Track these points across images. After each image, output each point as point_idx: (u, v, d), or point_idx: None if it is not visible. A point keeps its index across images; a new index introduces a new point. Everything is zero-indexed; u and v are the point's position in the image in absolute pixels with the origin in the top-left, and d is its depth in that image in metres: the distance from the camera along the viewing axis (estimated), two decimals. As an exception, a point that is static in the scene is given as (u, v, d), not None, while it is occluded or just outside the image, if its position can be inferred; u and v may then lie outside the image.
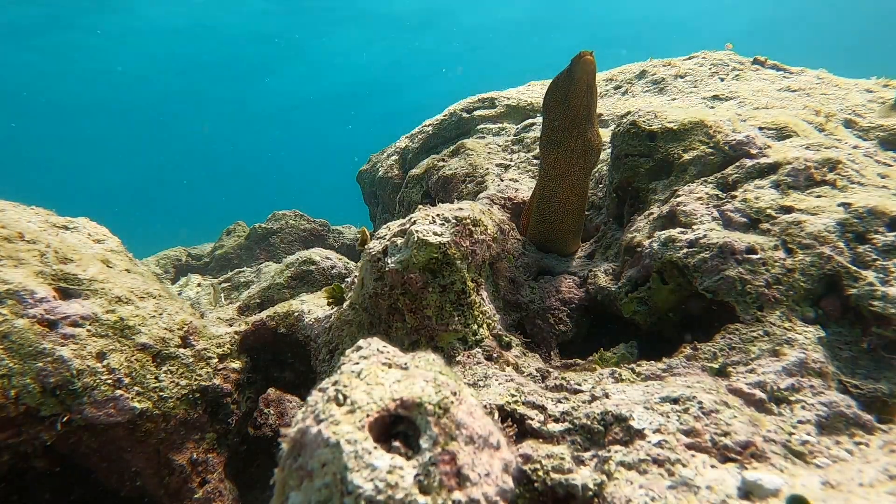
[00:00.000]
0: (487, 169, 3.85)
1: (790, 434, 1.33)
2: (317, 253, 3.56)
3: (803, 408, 1.43)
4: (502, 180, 3.55)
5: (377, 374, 0.96)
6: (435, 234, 1.92)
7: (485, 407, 1.35)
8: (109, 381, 1.92)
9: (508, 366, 1.85)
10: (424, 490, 0.81)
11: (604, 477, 1.13)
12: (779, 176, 2.11)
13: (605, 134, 3.52)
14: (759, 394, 1.47)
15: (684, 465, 1.12)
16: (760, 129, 2.61)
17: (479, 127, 5.19)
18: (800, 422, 1.39)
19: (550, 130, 2.42)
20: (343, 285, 2.62)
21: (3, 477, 1.89)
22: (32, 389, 1.76)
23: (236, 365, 2.41)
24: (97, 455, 2.00)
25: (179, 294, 5.85)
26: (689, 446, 1.18)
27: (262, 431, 2.73)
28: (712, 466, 1.13)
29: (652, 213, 2.31)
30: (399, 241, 2.00)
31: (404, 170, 5.70)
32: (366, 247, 2.16)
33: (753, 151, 2.27)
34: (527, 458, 1.22)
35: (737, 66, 4.48)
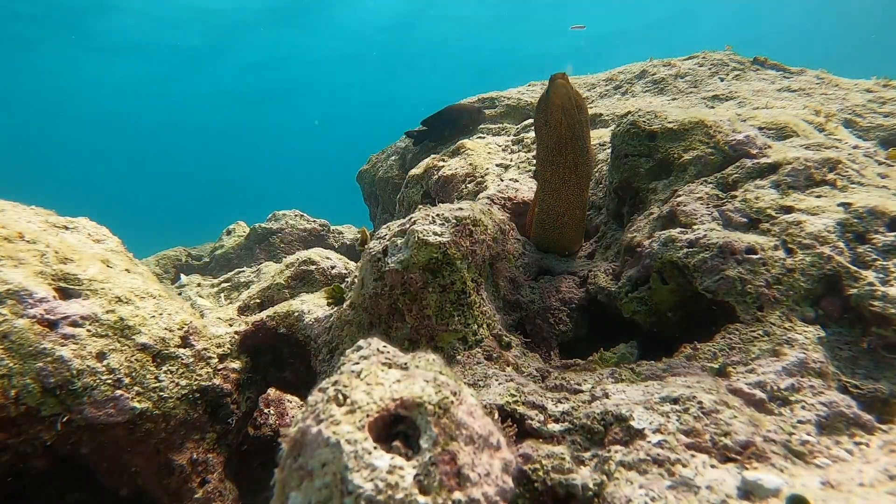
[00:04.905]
0: (487, 169, 3.85)
1: (790, 434, 1.33)
2: (317, 253, 3.54)
3: (803, 408, 1.43)
4: (502, 180, 3.55)
5: (377, 374, 0.96)
6: (435, 234, 1.92)
7: (485, 407, 1.35)
8: (109, 381, 1.92)
9: (508, 366, 1.84)
10: (424, 490, 0.81)
11: (604, 477, 1.13)
12: (779, 176, 2.11)
13: (605, 134, 3.52)
14: (759, 394, 1.47)
15: (684, 465, 1.12)
16: (760, 129, 2.61)
17: (479, 127, 5.19)
18: (800, 422, 1.39)
19: (540, 149, 2.49)
20: (343, 285, 2.62)
21: (2, 477, 1.89)
22: (32, 389, 1.76)
23: (236, 365, 2.41)
24: (97, 455, 2.00)
25: (179, 294, 5.84)
26: (689, 446, 1.18)
27: (262, 431, 2.72)
28: (712, 466, 1.13)
29: (652, 213, 2.31)
30: (399, 241, 2.00)
31: (404, 170, 5.70)
32: (366, 247, 2.16)
33: (753, 151, 2.27)
34: (527, 458, 1.22)
35: (737, 67, 4.48)
